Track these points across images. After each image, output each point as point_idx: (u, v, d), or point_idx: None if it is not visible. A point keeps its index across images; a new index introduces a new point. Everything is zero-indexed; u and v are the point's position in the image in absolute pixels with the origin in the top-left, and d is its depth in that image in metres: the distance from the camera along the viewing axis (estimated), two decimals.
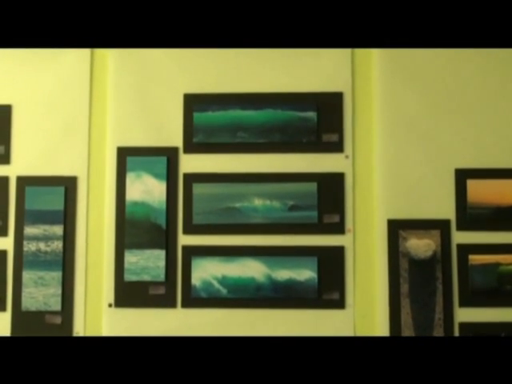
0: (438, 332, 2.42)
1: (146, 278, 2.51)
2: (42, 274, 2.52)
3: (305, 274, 2.48)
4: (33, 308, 2.53)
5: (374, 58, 2.58)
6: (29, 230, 2.56)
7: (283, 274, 2.48)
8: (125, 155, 2.58)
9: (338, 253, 2.50)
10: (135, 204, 2.54)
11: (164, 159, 2.56)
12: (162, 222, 2.53)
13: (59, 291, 2.52)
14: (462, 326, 2.45)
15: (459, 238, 2.49)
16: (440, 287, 2.45)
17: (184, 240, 2.54)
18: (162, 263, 2.51)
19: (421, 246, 2.46)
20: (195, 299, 2.51)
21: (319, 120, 2.55)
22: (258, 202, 2.52)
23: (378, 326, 2.47)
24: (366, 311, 2.49)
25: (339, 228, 2.52)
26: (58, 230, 2.54)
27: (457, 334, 2.42)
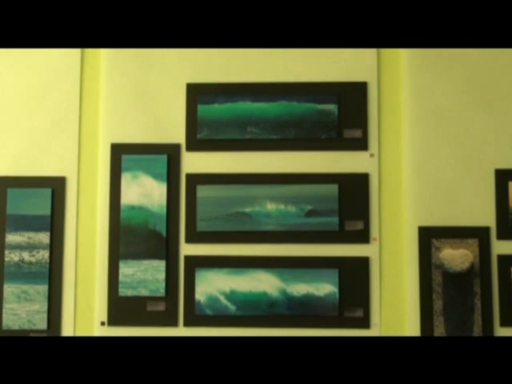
0: None
1: (144, 292, 2.42)
2: (25, 287, 2.44)
3: (324, 288, 2.38)
4: (15, 326, 2.43)
5: None
6: (11, 238, 2.47)
7: (299, 289, 2.39)
8: (120, 153, 2.48)
9: (361, 264, 2.40)
10: (131, 208, 2.45)
11: (164, 158, 2.47)
12: (162, 228, 2.44)
13: (45, 307, 2.43)
14: None
15: (500, 247, 2.38)
16: (478, 304, 2.34)
17: (187, 249, 2.45)
18: (161, 276, 2.42)
19: (456, 257, 2.34)
20: (199, 317, 2.41)
21: (340, 113, 2.45)
22: (270, 207, 2.43)
23: None
24: (394, 331, 2.38)
25: (363, 236, 2.41)
26: (44, 237, 2.46)
27: None
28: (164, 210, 2.43)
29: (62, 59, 2.52)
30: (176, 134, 2.47)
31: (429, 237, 2.36)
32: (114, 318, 2.40)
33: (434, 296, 2.34)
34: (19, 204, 2.46)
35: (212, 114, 2.46)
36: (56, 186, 2.47)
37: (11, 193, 2.46)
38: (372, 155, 2.43)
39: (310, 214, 2.40)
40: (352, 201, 2.41)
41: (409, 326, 2.35)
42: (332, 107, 2.44)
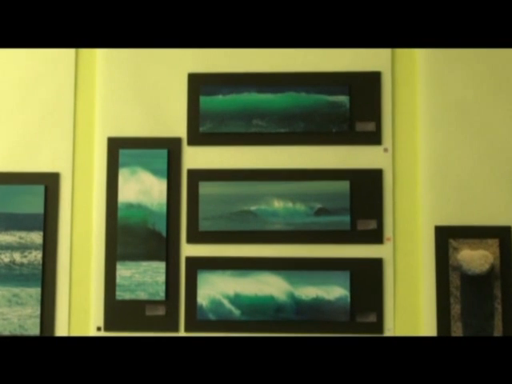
0: None
1: (143, 295, 2.39)
2: (17, 290, 2.42)
3: (335, 291, 2.36)
4: (6, 332, 2.40)
5: None
6: (1, 238, 2.44)
7: (308, 292, 2.36)
8: (117, 147, 2.46)
9: (374, 266, 2.37)
10: (129, 206, 2.43)
11: (164, 152, 2.44)
12: (162, 228, 2.41)
13: (38, 312, 2.41)
14: None
15: None
16: (499, 308, 2.29)
17: (188, 250, 2.42)
18: (161, 278, 2.39)
19: (475, 258, 2.30)
20: (202, 322, 2.38)
21: (352, 105, 2.42)
22: (277, 205, 2.40)
23: None
24: None
25: (376, 236, 2.38)
26: (37, 237, 2.44)
27: None
28: (164, 209, 2.41)
29: (56, 52, 2.48)
30: (177, 127, 2.44)
31: (446, 237, 2.32)
32: (110, 323, 2.37)
33: (452, 300, 2.29)
34: (10, 202, 2.44)
35: (215, 106, 2.43)
36: (49, 183, 2.45)
37: (1, 190, 2.44)
38: (386, 150, 2.39)
39: (319, 212, 2.37)
40: (364, 198, 2.37)
41: (425, 331, 2.30)
42: (343, 99, 2.41)
